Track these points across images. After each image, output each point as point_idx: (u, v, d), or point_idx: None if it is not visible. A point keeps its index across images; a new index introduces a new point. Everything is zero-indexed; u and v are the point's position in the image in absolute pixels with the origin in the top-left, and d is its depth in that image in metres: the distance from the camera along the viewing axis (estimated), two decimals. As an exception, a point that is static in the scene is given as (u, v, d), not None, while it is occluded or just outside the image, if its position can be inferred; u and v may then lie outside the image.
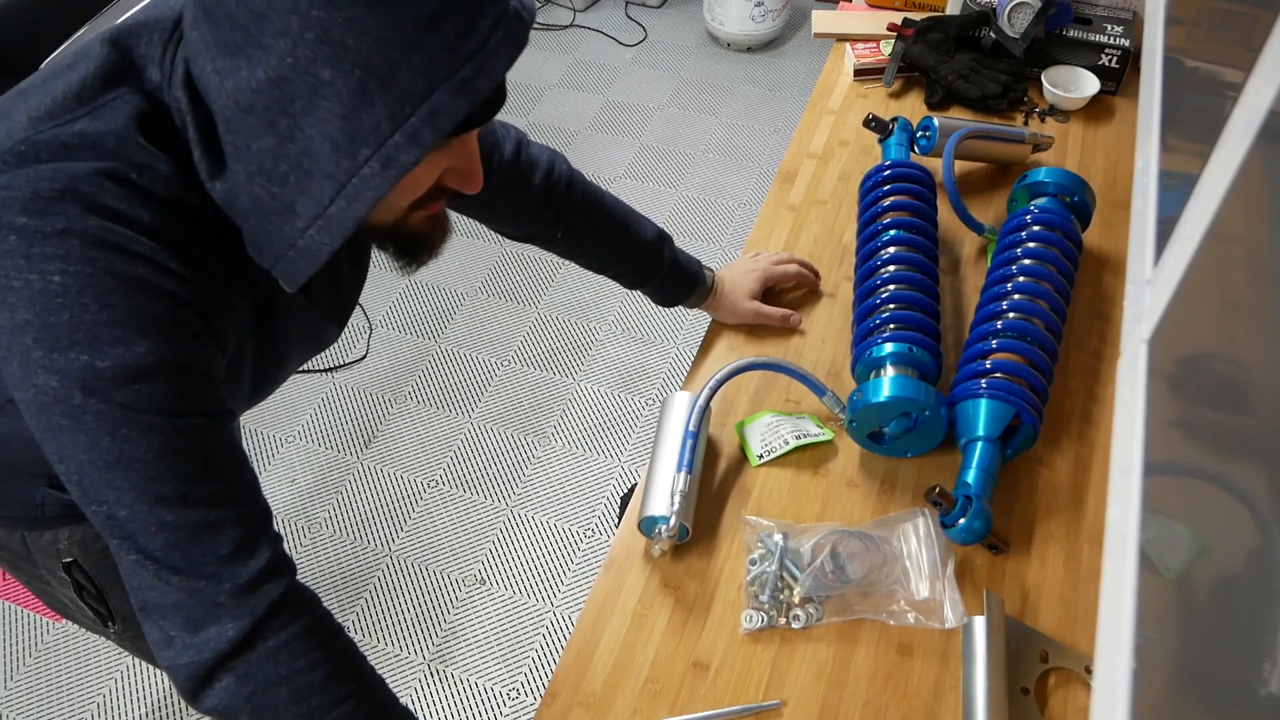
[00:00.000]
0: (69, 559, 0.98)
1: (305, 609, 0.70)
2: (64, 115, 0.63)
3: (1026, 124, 1.45)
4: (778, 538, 0.94)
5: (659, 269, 1.13)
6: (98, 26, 1.84)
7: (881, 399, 0.94)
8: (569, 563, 1.89)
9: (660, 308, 2.34)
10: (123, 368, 0.61)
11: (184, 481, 0.65)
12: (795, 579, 0.91)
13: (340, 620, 1.76)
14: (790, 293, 1.21)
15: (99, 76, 0.64)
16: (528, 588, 1.85)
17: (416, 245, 0.74)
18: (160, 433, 0.63)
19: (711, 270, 1.18)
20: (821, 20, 1.65)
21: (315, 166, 0.58)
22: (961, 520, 0.89)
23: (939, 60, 1.49)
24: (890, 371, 1.00)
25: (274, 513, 2.02)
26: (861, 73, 1.54)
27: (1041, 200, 1.16)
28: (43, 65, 1.76)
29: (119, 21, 0.66)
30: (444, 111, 0.57)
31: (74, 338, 0.60)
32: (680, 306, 1.19)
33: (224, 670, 0.67)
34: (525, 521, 1.96)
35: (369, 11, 0.54)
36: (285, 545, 0.72)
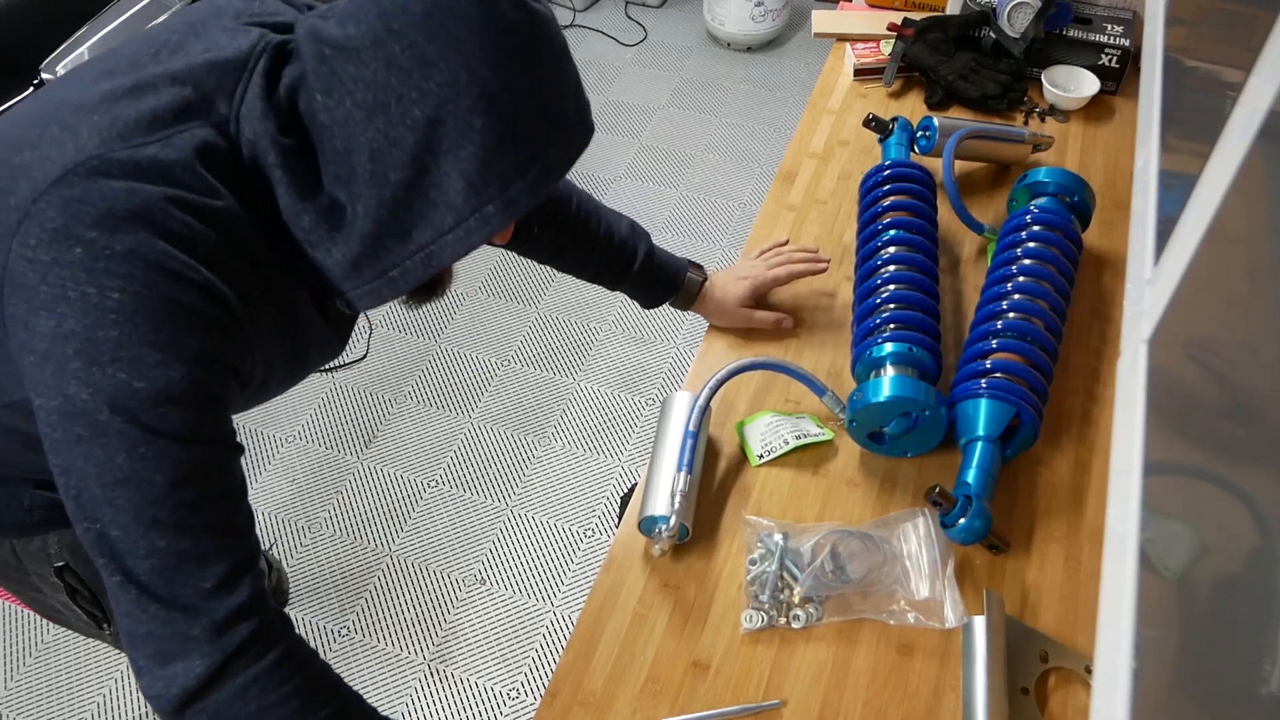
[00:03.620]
0: (60, 563, 0.98)
1: (275, 642, 0.71)
2: (135, 138, 0.65)
3: (1026, 124, 1.45)
4: (778, 538, 0.94)
5: (634, 264, 1.13)
6: (98, 26, 1.84)
7: (881, 399, 0.94)
8: (569, 563, 1.89)
9: (661, 309, 2.34)
10: (156, 391, 0.63)
11: (183, 508, 0.66)
12: (795, 579, 0.91)
13: (340, 620, 1.76)
14: (795, 287, 1.20)
15: (170, 110, 0.67)
16: (528, 588, 1.85)
17: (434, 284, 0.79)
18: (174, 457, 0.65)
19: (702, 273, 1.17)
20: (821, 20, 1.65)
21: (442, 199, 0.64)
22: (961, 520, 0.89)
23: (939, 60, 1.49)
24: (890, 371, 1.00)
25: (274, 512, 2.01)
26: (861, 73, 1.54)
27: (1041, 200, 1.16)
28: (44, 64, 1.76)
29: (188, 64, 0.70)
30: (554, 169, 0.67)
31: (116, 355, 0.61)
32: (672, 308, 1.19)
33: (192, 709, 0.67)
34: (525, 521, 1.96)
35: (524, 75, 0.64)
36: (278, 552, 0.72)
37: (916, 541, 0.93)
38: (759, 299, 1.18)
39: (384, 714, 0.78)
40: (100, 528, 0.65)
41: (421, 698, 1.70)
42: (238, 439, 0.72)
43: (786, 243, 1.24)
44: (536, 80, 0.65)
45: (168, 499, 0.65)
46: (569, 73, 0.69)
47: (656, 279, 1.15)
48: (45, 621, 1.81)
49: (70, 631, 1.78)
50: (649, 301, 1.18)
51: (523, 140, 0.65)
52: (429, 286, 0.79)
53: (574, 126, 0.68)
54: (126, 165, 0.64)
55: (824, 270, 1.19)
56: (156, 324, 0.62)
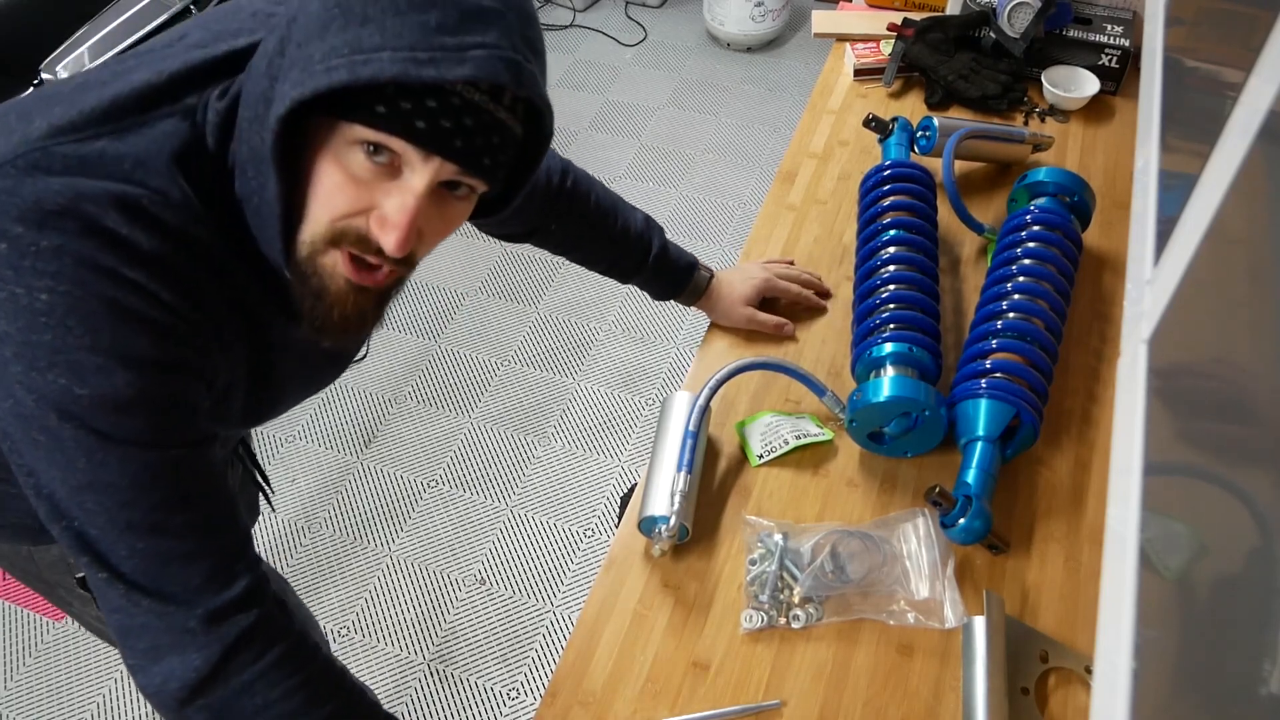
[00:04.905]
0: (81, 574, 0.94)
1: (278, 636, 0.69)
2: (88, 129, 0.61)
3: (1026, 124, 1.45)
4: (778, 538, 0.94)
5: (648, 258, 1.13)
6: (98, 26, 1.84)
7: (881, 399, 0.94)
8: (569, 563, 1.89)
9: (660, 308, 2.34)
10: (101, 397, 0.59)
11: (156, 510, 0.63)
12: (795, 579, 0.91)
13: (340, 620, 1.76)
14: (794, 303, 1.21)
15: (132, 97, 0.63)
16: (528, 588, 1.85)
17: (320, 303, 0.67)
18: (136, 462, 0.62)
19: (710, 270, 1.18)
20: (821, 20, 1.65)
21: (271, 92, 0.60)
22: (961, 520, 0.89)
23: (939, 60, 1.49)
24: (890, 371, 1.00)
25: (274, 512, 2.00)
26: (861, 73, 1.54)
27: (1041, 200, 1.16)
28: (44, 64, 1.76)
29: (169, 53, 0.66)
30: (372, 64, 0.56)
31: (54, 360, 0.58)
32: (677, 303, 1.19)
33: (194, 705, 0.66)
34: (525, 521, 1.96)
35: None
36: (280, 553, 0.70)
37: (916, 541, 0.93)
38: (761, 303, 1.18)
39: (387, 710, 0.77)
40: (78, 526, 0.63)
41: (421, 698, 1.70)
42: (207, 434, 0.68)
43: (792, 263, 1.24)
44: None
45: (138, 503, 0.62)
46: None
47: (668, 273, 1.15)
48: (46, 621, 1.81)
49: (70, 632, 1.78)
50: (659, 294, 1.17)
51: (348, 30, 0.57)
52: (318, 301, 0.67)
53: (432, 42, 0.57)
54: (70, 160, 0.60)
55: (823, 308, 1.19)
56: (92, 326, 0.58)
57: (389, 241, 0.63)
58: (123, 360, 0.59)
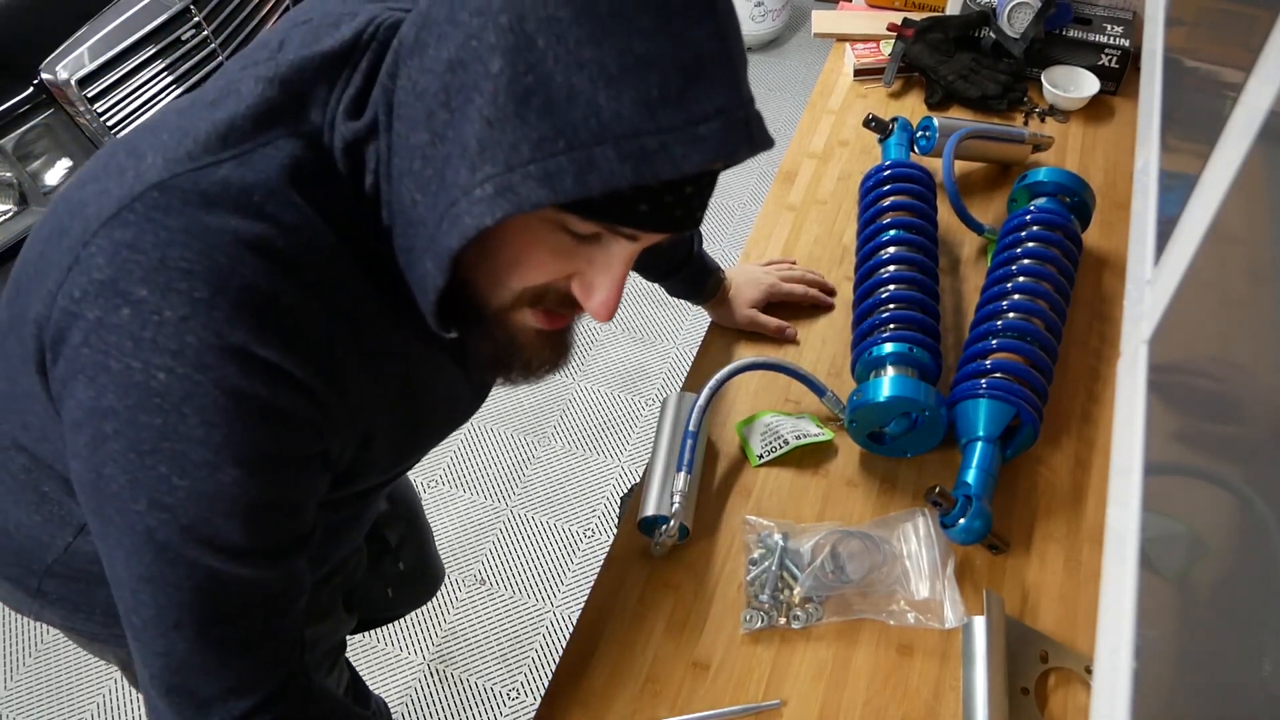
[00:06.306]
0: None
1: None
2: (205, 157, 0.54)
3: (1026, 124, 1.45)
4: (778, 538, 0.94)
5: (690, 260, 1.11)
6: (98, 26, 1.84)
7: (881, 399, 0.94)
8: (569, 563, 1.89)
9: (660, 308, 2.34)
10: (199, 494, 0.54)
11: (212, 615, 0.58)
12: (795, 579, 0.91)
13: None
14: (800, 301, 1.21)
15: (249, 117, 0.55)
16: (528, 588, 1.85)
17: (508, 354, 0.63)
18: (209, 568, 0.56)
19: (722, 270, 1.18)
20: (821, 20, 1.65)
21: (450, 176, 0.51)
22: (961, 520, 0.89)
23: (939, 60, 1.49)
24: (890, 371, 1.00)
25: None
26: (861, 73, 1.54)
27: (1041, 200, 1.16)
28: (44, 64, 1.76)
29: (277, 61, 0.58)
30: (600, 168, 0.47)
31: (159, 446, 0.52)
32: (677, 303, 1.18)
33: None
34: (525, 521, 1.96)
35: (575, 19, 0.45)
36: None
37: (916, 541, 0.93)
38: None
39: None
40: (124, 608, 0.58)
41: (421, 698, 1.70)
42: (302, 533, 0.62)
43: (794, 263, 1.23)
44: (613, 28, 0.45)
45: (196, 606, 0.57)
46: (692, 37, 0.47)
47: (699, 275, 1.13)
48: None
49: (70, 631, 1.78)
50: (678, 293, 1.16)
51: (554, 110, 0.46)
52: (503, 356, 0.63)
53: (658, 120, 0.46)
54: (191, 195, 0.53)
55: (830, 305, 1.19)
56: (208, 419, 0.52)
57: (596, 309, 0.58)
58: (235, 457, 0.54)
